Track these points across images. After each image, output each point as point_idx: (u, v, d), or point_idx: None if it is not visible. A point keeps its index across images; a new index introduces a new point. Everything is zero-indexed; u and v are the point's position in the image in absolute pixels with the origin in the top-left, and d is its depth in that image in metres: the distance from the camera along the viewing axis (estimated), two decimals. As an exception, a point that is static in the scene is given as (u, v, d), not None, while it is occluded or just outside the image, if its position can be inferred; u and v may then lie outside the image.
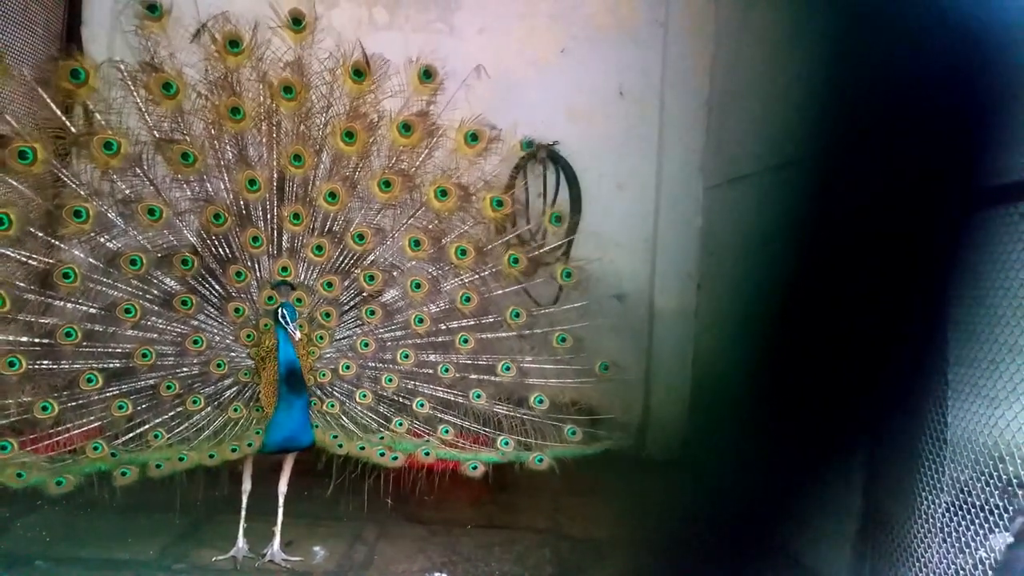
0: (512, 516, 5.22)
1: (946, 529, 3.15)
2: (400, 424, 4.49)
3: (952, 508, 3.12)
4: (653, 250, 7.09)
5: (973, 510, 2.96)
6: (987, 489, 2.92)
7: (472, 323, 4.65)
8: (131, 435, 4.08)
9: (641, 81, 7.07)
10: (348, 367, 4.45)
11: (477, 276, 4.65)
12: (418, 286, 4.53)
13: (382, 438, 4.42)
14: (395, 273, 4.58)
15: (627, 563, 4.72)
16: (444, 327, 4.62)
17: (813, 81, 4.79)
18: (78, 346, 4.01)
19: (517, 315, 4.70)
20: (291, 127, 4.35)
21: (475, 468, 4.56)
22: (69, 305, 4.05)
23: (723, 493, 5.24)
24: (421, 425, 4.54)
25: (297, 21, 4.27)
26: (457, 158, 4.53)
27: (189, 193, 4.25)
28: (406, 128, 4.38)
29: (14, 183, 3.84)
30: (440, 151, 4.51)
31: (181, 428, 4.16)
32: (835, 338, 4.02)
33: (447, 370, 4.57)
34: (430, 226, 4.58)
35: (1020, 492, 2.82)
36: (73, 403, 4.01)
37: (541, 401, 4.70)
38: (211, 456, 4.11)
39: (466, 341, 4.59)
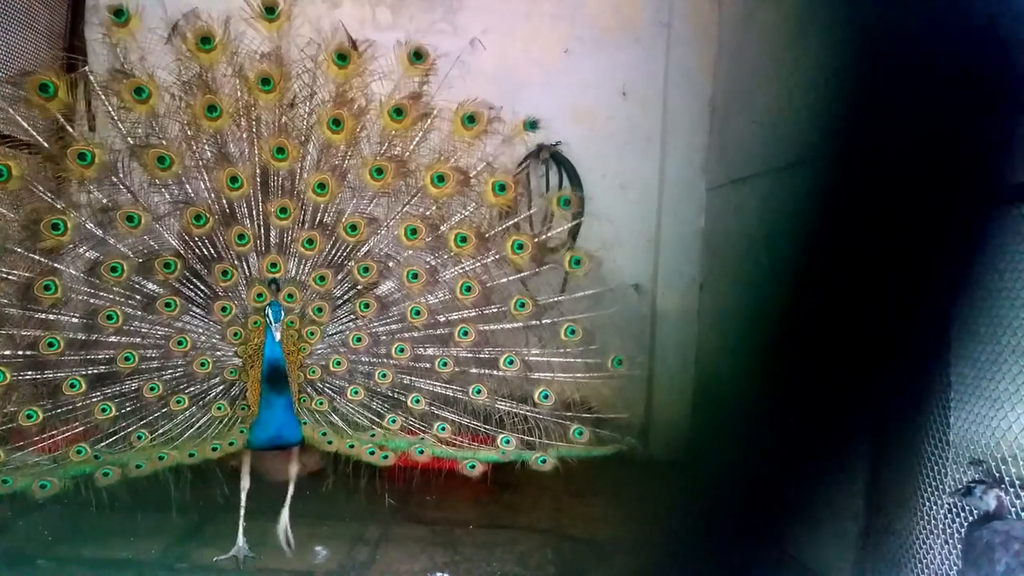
0: (514, 516, 5.22)
1: (948, 530, 3.14)
2: (393, 421, 4.37)
3: (954, 509, 3.11)
4: (656, 250, 7.08)
5: (975, 511, 2.94)
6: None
7: (474, 314, 4.50)
8: (115, 437, 4.07)
9: (644, 82, 7.06)
10: (339, 363, 4.37)
11: (479, 264, 4.50)
12: (415, 276, 4.40)
13: (373, 436, 4.32)
14: (391, 264, 4.47)
15: (629, 564, 4.71)
16: (443, 319, 4.48)
17: (817, 82, 4.79)
18: (61, 355, 4.01)
19: (522, 305, 4.50)
20: (272, 120, 4.26)
21: (473, 467, 4.45)
22: (50, 316, 4.03)
23: (726, 494, 5.24)
24: (416, 422, 4.42)
25: (270, 10, 4.13)
26: (454, 142, 4.40)
27: (168, 197, 4.18)
28: (398, 112, 4.27)
29: None
30: (436, 134, 4.39)
31: (165, 428, 4.14)
32: (837, 339, 4.02)
33: (445, 364, 4.44)
34: (427, 213, 4.45)
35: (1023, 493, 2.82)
36: (57, 409, 4.01)
37: (546, 397, 4.53)
38: (191, 455, 4.10)
39: (466, 333, 4.45)
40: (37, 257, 3.97)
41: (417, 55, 4.30)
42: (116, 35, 4.00)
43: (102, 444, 4.04)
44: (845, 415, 3.94)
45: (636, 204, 7.08)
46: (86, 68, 4.05)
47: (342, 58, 4.23)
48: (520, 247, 4.47)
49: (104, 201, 4.08)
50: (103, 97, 4.01)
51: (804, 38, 5.16)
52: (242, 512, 4.31)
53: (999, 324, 2.98)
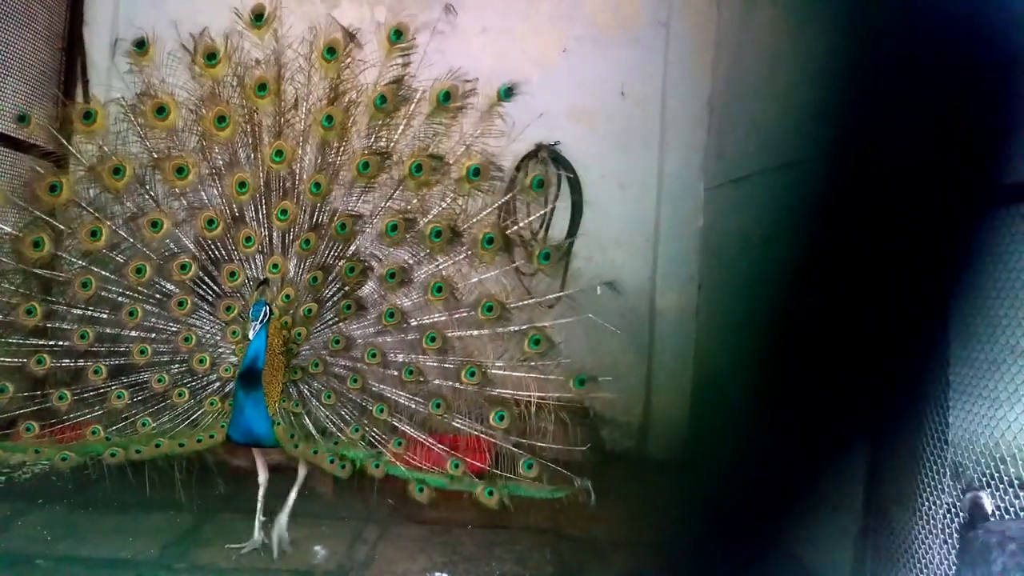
0: (513, 516, 5.19)
1: (947, 530, 3.14)
2: (356, 430, 4.27)
3: (953, 509, 3.12)
4: (654, 250, 7.10)
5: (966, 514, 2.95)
6: (988, 490, 2.92)
7: (443, 318, 4.33)
8: (125, 422, 4.29)
9: (643, 81, 7.08)
10: (317, 365, 4.35)
11: (451, 262, 4.35)
12: (392, 276, 4.33)
13: (336, 443, 4.24)
14: (374, 263, 4.42)
15: (628, 563, 4.71)
16: (415, 322, 4.37)
17: (815, 81, 4.79)
18: (90, 345, 4.27)
19: (490, 309, 4.26)
20: (271, 123, 4.35)
21: (421, 491, 4.27)
22: (75, 310, 4.37)
23: (724, 493, 5.25)
24: (377, 434, 4.28)
25: (259, 16, 4.27)
26: (433, 124, 4.35)
27: (184, 203, 4.38)
28: (382, 100, 4.28)
29: (41, 214, 4.28)
30: (418, 119, 4.35)
31: (165, 417, 4.31)
32: (836, 338, 4.02)
33: (411, 373, 4.31)
34: (408, 207, 4.38)
35: (1022, 493, 2.82)
36: (83, 394, 4.28)
37: (502, 418, 4.22)
38: (181, 445, 4.22)
39: (433, 339, 4.29)
40: (79, 261, 4.32)
41: (397, 34, 4.32)
42: (139, 63, 4.28)
43: (113, 428, 4.26)
44: (844, 415, 3.94)
45: (635, 203, 7.09)
46: (121, 97, 4.37)
47: (331, 52, 4.29)
48: (490, 241, 4.30)
49: (133, 209, 4.35)
50: (132, 117, 4.29)
51: (802, 37, 5.17)
52: (260, 505, 4.36)
53: (998, 324, 2.98)
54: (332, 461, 4.23)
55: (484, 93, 4.46)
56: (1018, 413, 2.82)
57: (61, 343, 4.29)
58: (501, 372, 4.30)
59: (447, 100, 4.31)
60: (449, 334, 4.34)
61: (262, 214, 4.37)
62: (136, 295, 4.34)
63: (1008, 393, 2.87)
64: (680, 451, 6.76)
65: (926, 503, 3.31)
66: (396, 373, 4.35)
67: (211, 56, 4.23)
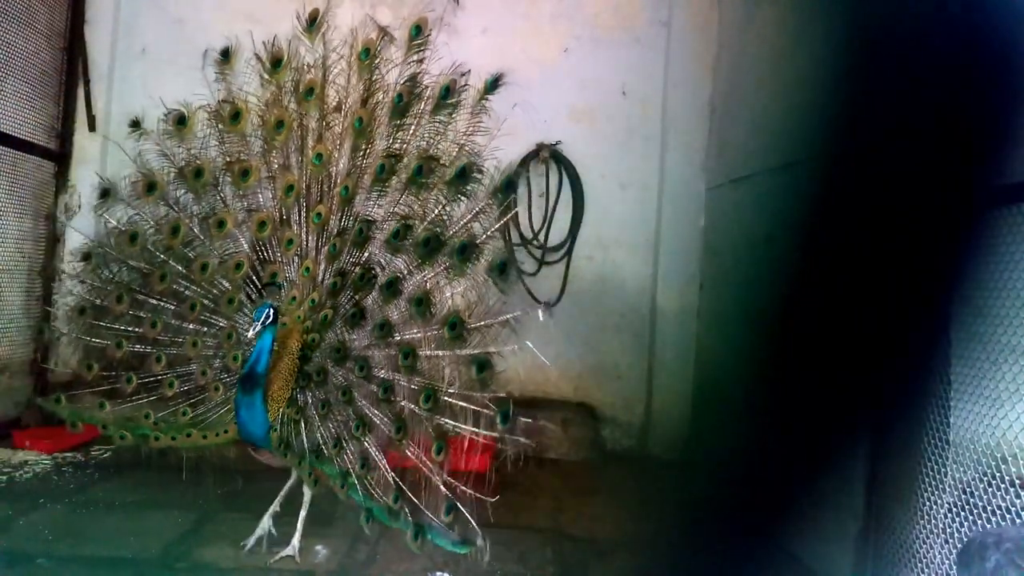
0: (514, 516, 5.19)
1: (948, 530, 3.14)
2: (335, 446, 4.18)
3: (954, 509, 3.12)
4: (656, 250, 7.10)
5: (975, 511, 2.95)
6: (990, 490, 2.92)
7: (418, 335, 4.20)
8: (170, 409, 4.42)
9: (644, 81, 7.08)
10: (320, 374, 4.31)
11: (432, 274, 4.23)
12: (390, 285, 4.27)
13: (318, 456, 4.19)
14: (378, 271, 4.36)
15: (629, 563, 4.71)
16: (398, 337, 4.24)
17: (816, 81, 4.79)
18: (158, 334, 4.45)
19: (453, 326, 4.11)
20: (314, 126, 4.44)
21: (368, 521, 4.13)
22: (152, 300, 4.57)
23: (725, 492, 5.25)
24: (350, 452, 4.17)
25: (312, 20, 4.44)
26: (434, 121, 4.35)
27: (245, 205, 4.50)
28: (399, 99, 4.35)
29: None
30: (425, 118, 4.36)
31: (201, 409, 4.41)
32: (837, 338, 4.02)
33: (386, 391, 4.17)
34: (410, 212, 4.33)
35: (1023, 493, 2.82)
36: (144, 379, 4.45)
37: (440, 451, 4.02)
38: (204, 437, 4.32)
39: (407, 356, 4.13)
40: (161, 255, 4.50)
41: (418, 28, 4.37)
42: (224, 71, 4.49)
43: (162, 414, 4.41)
44: (845, 414, 3.94)
45: (636, 203, 7.10)
46: (207, 104, 4.48)
47: (366, 52, 4.37)
48: (463, 250, 4.17)
49: (207, 209, 4.51)
50: (213, 123, 4.47)
51: (803, 37, 5.17)
52: (280, 497, 4.48)
53: (999, 323, 2.98)
54: (310, 474, 4.27)
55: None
56: (1019, 412, 2.82)
57: (136, 330, 4.47)
58: (449, 400, 4.09)
59: (447, 96, 4.32)
60: (419, 352, 4.19)
61: (302, 217, 4.45)
62: (198, 290, 4.47)
63: (1009, 393, 2.88)
64: (681, 450, 6.76)
65: (927, 503, 3.31)
66: (375, 389, 4.23)
67: (276, 63, 4.39)
